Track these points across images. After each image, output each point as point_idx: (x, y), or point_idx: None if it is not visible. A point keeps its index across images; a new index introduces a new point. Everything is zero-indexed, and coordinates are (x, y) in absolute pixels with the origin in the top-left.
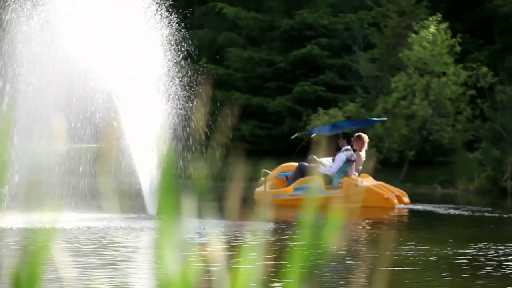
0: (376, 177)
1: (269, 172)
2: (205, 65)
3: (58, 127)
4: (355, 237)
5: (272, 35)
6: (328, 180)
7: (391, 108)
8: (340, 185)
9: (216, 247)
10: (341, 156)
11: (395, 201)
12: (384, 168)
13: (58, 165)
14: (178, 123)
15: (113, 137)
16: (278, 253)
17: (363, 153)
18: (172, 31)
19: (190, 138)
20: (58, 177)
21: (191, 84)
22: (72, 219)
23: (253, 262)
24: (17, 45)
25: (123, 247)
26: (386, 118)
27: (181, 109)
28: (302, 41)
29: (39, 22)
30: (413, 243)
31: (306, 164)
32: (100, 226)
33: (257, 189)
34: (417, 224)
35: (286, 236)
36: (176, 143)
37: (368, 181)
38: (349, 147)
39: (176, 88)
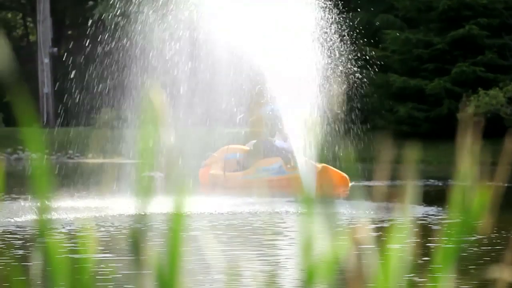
0: None
1: (213, 154)
2: (362, 47)
3: (157, 98)
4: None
5: (429, 16)
6: (287, 160)
7: None
8: None
9: (365, 229)
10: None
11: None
12: None
13: (207, 149)
14: (335, 105)
15: (262, 120)
16: (426, 234)
17: None
18: (329, 14)
19: (343, 120)
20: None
21: (348, 66)
22: (220, 204)
23: (403, 244)
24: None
25: (273, 231)
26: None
27: (336, 91)
28: (460, 21)
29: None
30: None
31: (271, 141)
32: (250, 210)
33: (212, 172)
34: None
35: (433, 218)
36: (329, 125)
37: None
38: None
39: (332, 70)
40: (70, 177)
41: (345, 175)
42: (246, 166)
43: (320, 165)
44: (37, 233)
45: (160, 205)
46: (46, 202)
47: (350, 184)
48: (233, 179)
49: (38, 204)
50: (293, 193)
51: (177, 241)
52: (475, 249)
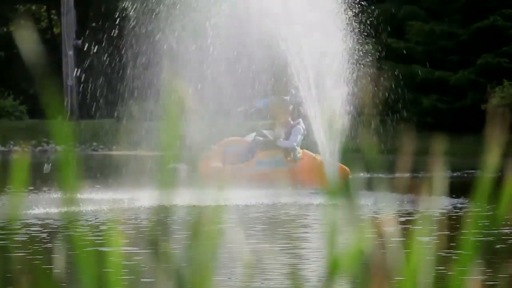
0: None
1: (214, 146)
2: (385, 38)
3: (184, 92)
4: None
5: (454, 7)
6: (287, 153)
7: None
8: (300, 157)
9: (389, 222)
10: (299, 129)
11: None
12: None
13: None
14: (363, 98)
15: (281, 109)
16: (452, 226)
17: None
18: (353, 6)
19: (374, 112)
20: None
21: (372, 58)
22: (243, 196)
23: (428, 236)
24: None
25: (297, 223)
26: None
27: (360, 83)
28: (484, 12)
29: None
30: None
31: (261, 138)
32: (275, 202)
33: (213, 164)
34: None
35: (457, 210)
36: (352, 116)
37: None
38: (301, 119)
39: (356, 61)
40: (94, 170)
41: (345, 167)
42: (246, 158)
43: (320, 157)
44: (63, 225)
45: (185, 197)
46: (73, 194)
47: (350, 176)
48: (233, 171)
49: (64, 196)
50: (294, 185)
51: (212, 234)
52: (502, 241)
